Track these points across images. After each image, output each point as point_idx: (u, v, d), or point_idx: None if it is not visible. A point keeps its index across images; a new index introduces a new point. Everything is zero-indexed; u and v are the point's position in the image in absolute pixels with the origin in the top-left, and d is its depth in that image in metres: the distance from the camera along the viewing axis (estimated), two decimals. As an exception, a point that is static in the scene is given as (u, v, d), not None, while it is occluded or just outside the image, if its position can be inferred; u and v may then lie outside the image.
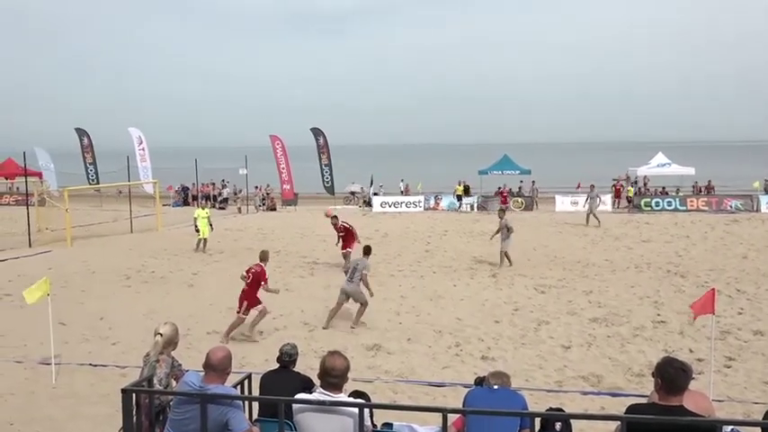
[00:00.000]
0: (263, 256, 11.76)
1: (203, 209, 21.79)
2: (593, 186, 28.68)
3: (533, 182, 36.43)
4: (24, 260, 19.50)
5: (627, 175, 38.55)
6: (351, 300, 12.08)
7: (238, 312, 11.37)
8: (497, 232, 18.34)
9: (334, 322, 12.19)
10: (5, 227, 26.82)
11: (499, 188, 37.12)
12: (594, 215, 26.81)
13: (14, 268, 17.97)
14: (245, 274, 11.50)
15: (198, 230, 20.96)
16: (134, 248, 21.79)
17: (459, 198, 35.87)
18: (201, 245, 20.81)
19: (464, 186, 37.96)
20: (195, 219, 21.19)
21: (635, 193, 35.98)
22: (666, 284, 15.39)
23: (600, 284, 15.51)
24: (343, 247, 17.62)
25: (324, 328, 11.92)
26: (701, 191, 36.10)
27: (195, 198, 37.92)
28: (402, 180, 41.76)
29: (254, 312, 11.42)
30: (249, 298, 11.35)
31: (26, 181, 26.09)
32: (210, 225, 21.28)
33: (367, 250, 12.81)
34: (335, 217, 18.32)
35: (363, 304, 12.06)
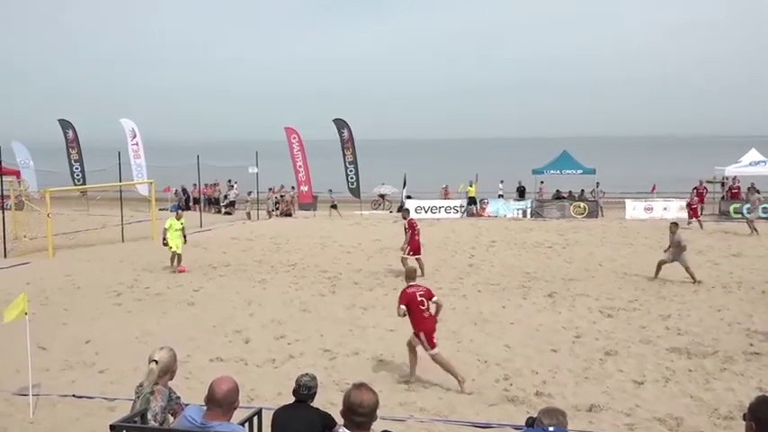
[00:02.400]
0: None
1: (178, 219, 20.69)
2: (752, 189, 28.88)
3: (597, 183, 36.14)
4: (-1, 273, 19.89)
5: (724, 177, 37.64)
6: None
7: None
8: (669, 249, 18.54)
9: (359, 346, 12.22)
10: (-22, 234, 27.38)
11: (695, 188, 34.57)
12: (751, 222, 27.18)
13: (-12, 282, 18.31)
14: None
15: (166, 244, 20.19)
16: (126, 260, 22.10)
17: (472, 201, 35.62)
18: (176, 260, 20.14)
19: (519, 188, 37.85)
20: (166, 230, 20.34)
21: (722, 197, 35.41)
22: (762, 308, 15.11)
23: (680, 307, 15.29)
24: (410, 250, 18.88)
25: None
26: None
27: (197, 201, 38.32)
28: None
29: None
30: None
31: (1, 180, 26.57)
32: (185, 237, 20.58)
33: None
34: (407, 210, 20.99)
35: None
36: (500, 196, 38.57)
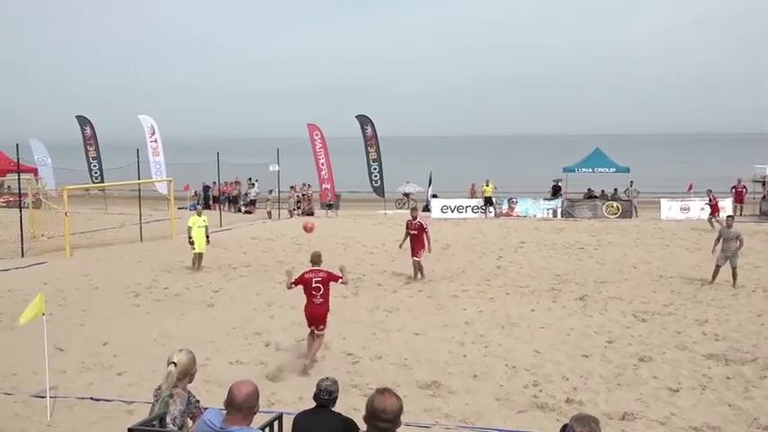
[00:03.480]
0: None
1: (200, 215, 20.89)
2: None
3: (631, 182, 35.86)
4: (15, 273, 20.14)
5: (765, 175, 37.02)
6: None
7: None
8: (717, 241, 18.18)
9: (383, 350, 12.26)
10: (-5, 233, 27.75)
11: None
12: None
13: (4, 282, 18.53)
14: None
15: (192, 243, 20.27)
16: (144, 260, 22.29)
17: (489, 202, 35.40)
18: (198, 261, 20.32)
19: (554, 186, 37.57)
20: (189, 228, 20.43)
21: (763, 197, 34.96)
22: (804, 313, 14.95)
23: (718, 311, 15.15)
24: (414, 253, 18.67)
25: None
26: None
27: (216, 200, 38.53)
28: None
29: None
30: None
31: (19, 178, 26.88)
32: (207, 237, 20.67)
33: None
34: (415, 209, 20.17)
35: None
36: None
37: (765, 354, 12.09)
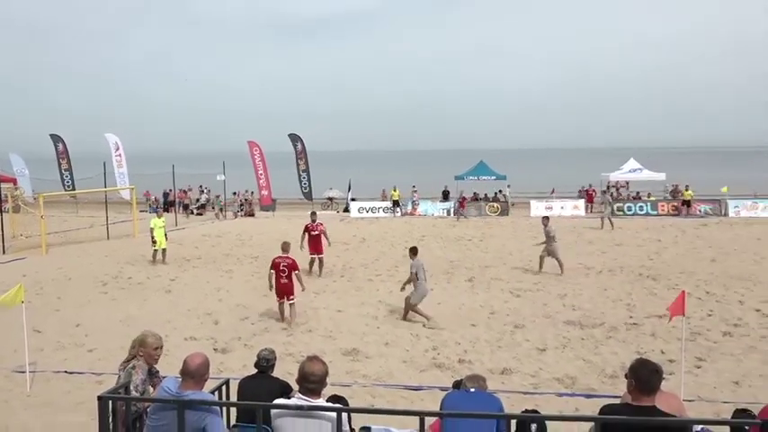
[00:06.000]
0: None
1: (160, 217, 20.29)
2: (604, 192, 30.17)
3: (500, 190, 36.52)
4: (-2, 267, 19.17)
5: (608, 181, 38.41)
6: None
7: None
8: (543, 242, 18.01)
9: (312, 325, 12.22)
10: (-21, 234, 26.32)
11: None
12: (609, 219, 27.84)
13: (-12, 275, 17.61)
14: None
15: (154, 242, 19.62)
16: (111, 255, 21.53)
17: (396, 204, 35.76)
18: (160, 255, 19.58)
19: (444, 191, 38.15)
20: (152, 229, 19.76)
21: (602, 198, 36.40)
22: (639, 287, 15.55)
23: (574, 287, 15.64)
24: (317, 251, 17.87)
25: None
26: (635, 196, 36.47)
27: (173, 204, 37.55)
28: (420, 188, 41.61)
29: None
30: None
31: (0, 187, 25.68)
32: (165, 235, 19.95)
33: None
34: (314, 213, 19.15)
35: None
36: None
37: (610, 320, 12.54)
